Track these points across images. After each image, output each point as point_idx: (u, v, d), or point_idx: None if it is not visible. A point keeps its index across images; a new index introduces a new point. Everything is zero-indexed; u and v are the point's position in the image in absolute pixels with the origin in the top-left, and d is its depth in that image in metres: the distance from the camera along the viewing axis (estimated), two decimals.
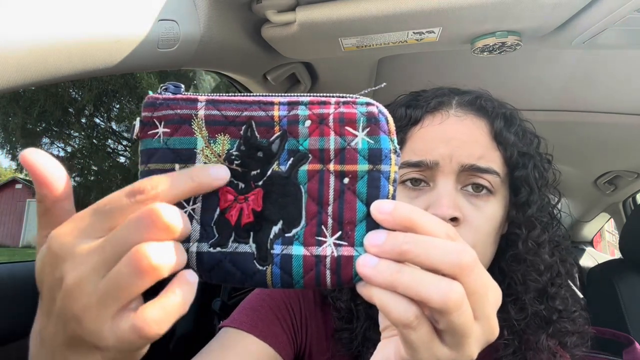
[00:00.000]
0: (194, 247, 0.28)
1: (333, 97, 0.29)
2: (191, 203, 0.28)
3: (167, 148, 0.28)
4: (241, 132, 0.28)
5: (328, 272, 0.27)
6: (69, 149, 7.14)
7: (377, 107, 0.28)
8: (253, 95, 0.29)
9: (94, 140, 7.04)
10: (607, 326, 0.54)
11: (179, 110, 0.28)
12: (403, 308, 0.24)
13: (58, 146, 7.13)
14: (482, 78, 1.02)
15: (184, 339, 1.06)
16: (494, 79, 1.03)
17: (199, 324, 1.11)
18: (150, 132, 0.28)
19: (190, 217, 0.28)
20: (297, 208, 0.28)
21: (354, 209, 0.27)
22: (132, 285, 0.22)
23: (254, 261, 0.28)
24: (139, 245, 0.22)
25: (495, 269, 0.52)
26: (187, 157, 0.28)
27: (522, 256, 0.48)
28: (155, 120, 0.28)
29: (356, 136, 0.28)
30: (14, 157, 7.18)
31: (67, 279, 0.23)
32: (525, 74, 1.00)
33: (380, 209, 0.26)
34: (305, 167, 0.28)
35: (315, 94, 0.29)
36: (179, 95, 0.29)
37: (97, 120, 6.97)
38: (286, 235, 0.28)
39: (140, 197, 0.24)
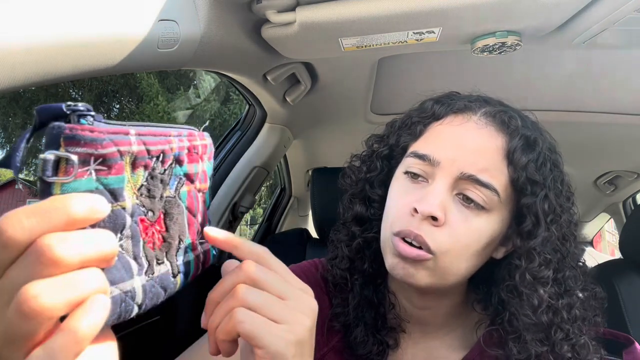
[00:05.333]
0: (137, 282, 0.28)
1: (191, 129, 0.34)
2: (123, 238, 0.27)
3: (103, 189, 0.25)
4: (152, 164, 0.29)
5: (200, 265, 0.35)
6: None
7: (209, 138, 0.36)
8: (160, 125, 0.31)
9: None
10: (607, 326, 0.54)
11: (121, 147, 0.26)
12: None
13: None
14: (482, 78, 1.02)
15: (182, 337, 1.06)
16: (494, 79, 1.03)
17: (198, 324, 1.11)
18: (80, 170, 0.24)
19: (125, 253, 0.27)
20: (183, 222, 0.33)
21: (205, 215, 0.37)
22: (25, 330, 0.20)
23: (170, 277, 0.31)
24: (24, 285, 0.20)
25: (495, 298, 0.51)
26: (117, 196, 0.26)
27: (518, 288, 0.47)
28: (93, 158, 0.24)
29: (205, 161, 0.36)
30: None
31: None
32: (525, 74, 1.00)
33: (209, 232, 0.34)
34: (185, 189, 0.34)
35: (188, 127, 0.34)
36: (116, 128, 0.26)
37: None
38: (181, 246, 0.33)
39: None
